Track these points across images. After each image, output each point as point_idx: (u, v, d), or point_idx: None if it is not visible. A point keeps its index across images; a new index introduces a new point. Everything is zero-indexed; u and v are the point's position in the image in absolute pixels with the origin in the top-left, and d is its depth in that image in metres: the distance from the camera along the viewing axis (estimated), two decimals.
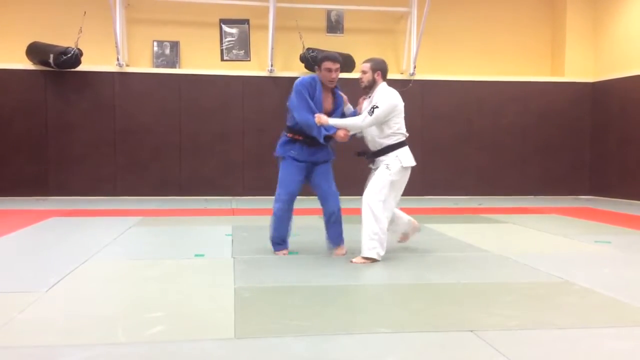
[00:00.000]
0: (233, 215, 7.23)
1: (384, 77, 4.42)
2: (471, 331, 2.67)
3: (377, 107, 4.22)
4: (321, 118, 4.29)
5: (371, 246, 4.20)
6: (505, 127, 10.23)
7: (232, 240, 5.18)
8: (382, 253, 4.25)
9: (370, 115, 4.22)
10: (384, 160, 4.32)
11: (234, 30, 9.90)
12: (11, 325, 2.72)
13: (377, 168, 4.37)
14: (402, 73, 10.18)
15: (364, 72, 4.40)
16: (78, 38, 9.07)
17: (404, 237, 4.81)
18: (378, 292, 3.45)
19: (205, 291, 3.39)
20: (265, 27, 9.57)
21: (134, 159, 9.41)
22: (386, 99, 4.26)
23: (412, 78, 9.90)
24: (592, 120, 10.35)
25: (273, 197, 4.65)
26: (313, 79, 4.46)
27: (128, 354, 2.37)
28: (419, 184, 10.09)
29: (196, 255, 4.41)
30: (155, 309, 2.99)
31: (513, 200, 9.45)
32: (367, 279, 3.83)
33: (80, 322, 2.77)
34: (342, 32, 10.17)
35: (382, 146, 4.34)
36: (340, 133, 4.33)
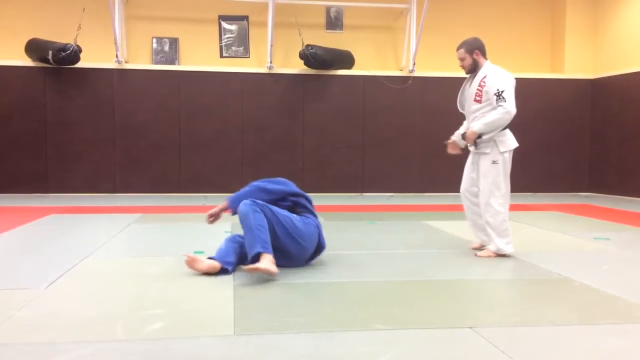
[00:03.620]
0: None
1: (484, 55, 4.41)
2: (470, 328, 2.67)
3: (502, 90, 4.18)
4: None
5: (503, 242, 4.31)
6: None
7: None
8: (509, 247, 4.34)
9: (505, 101, 4.16)
10: (486, 149, 4.30)
11: (233, 27, 9.89)
12: (10, 322, 2.72)
13: (477, 152, 4.37)
14: (401, 70, 10.16)
15: (462, 59, 4.43)
16: (77, 35, 9.05)
17: (480, 246, 4.65)
18: (376, 289, 3.44)
19: (204, 288, 3.39)
20: (265, 24, 9.56)
21: (133, 156, 9.41)
22: (504, 78, 4.24)
23: (411, 75, 9.89)
24: (591, 117, 10.34)
25: None
26: None
27: (127, 350, 2.37)
28: (418, 181, 10.11)
29: (195, 252, 4.40)
30: (155, 306, 2.99)
31: (512, 197, 9.35)
32: (365, 275, 3.83)
33: (79, 319, 2.77)
34: (342, 29, 10.15)
35: None
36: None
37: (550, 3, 10.72)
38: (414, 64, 9.86)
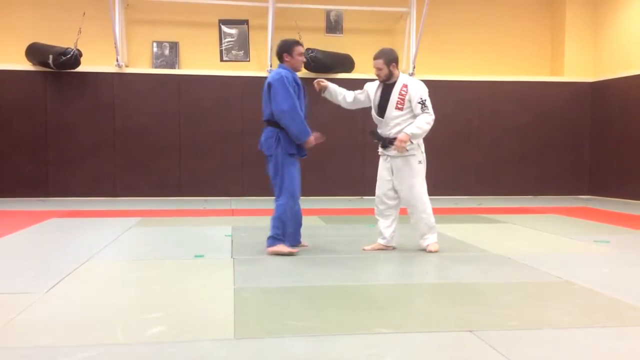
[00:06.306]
0: (232, 215, 7.23)
1: (398, 66, 4.71)
2: (470, 331, 2.68)
3: (424, 99, 4.55)
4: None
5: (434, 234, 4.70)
6: (504, 127, 10.23)
7: (232, 240, 5.18)
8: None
9: (428, 109, 4.57)
10: (412, 152, 4.63)
11: (233, 31, 9.91)
12: (11, 326, 2.72)
13: (402, 156, 4.62)
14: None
15: (379, 69, 4.64)
16: (77, 39, 9.07)
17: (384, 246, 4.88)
18: (377, 292, 3.45)
19: (204, 292, 3.39)
20: (265, 28, 9.58)
21: (133, 160, 9.41)
22: (423, 88, 4.63)
23: None
24: (591, 119, 10.35)
25: (272, 197, 4.66)
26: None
27: (128, 354, 2.37)
28: None
29: (196, 256, 4.41)
30: (155, 309, 2.99)
31: (512, 200, 9.45)
32: (365, 279, 3.83)
33: (80, 323, 2.77)
34: (342, 33, 10.17)
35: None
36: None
37: (550, 6, 10.73)
38: (414, 67, 9.87)
